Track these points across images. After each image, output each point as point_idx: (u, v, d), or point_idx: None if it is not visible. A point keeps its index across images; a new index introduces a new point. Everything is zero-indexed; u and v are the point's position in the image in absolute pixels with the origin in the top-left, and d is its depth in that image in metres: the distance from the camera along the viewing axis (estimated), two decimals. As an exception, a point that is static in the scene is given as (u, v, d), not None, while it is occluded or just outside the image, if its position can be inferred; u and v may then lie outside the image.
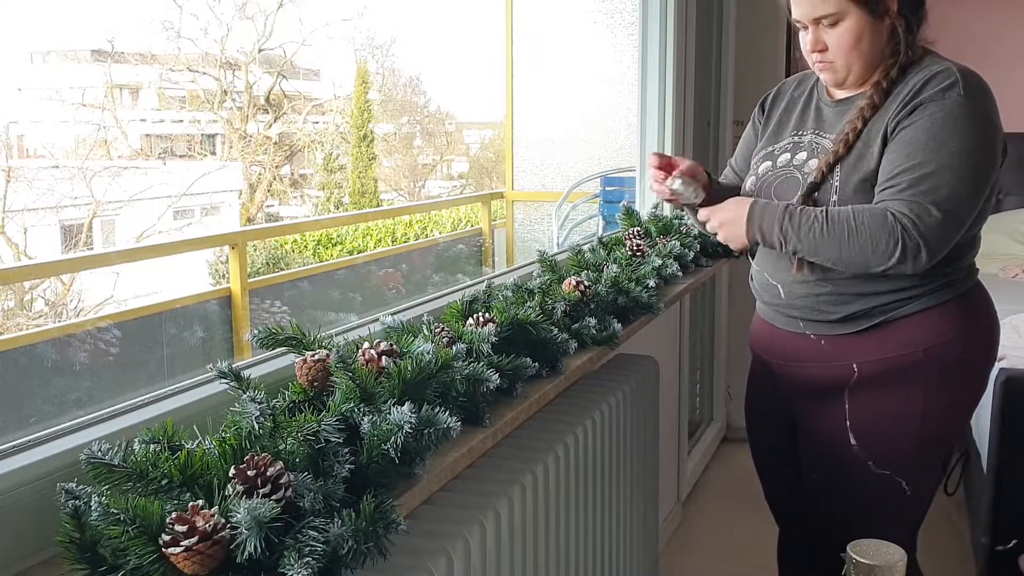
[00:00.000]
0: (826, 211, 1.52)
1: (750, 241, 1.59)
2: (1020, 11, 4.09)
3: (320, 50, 18.15)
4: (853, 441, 1.65)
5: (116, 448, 0.87)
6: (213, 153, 16.49)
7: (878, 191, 1.52)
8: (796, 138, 1.69)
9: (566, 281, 1.67)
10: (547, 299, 1.55)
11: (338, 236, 10.83)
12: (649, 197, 2.91)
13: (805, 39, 1.59)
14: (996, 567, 2.41)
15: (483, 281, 1.85)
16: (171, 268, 10.88)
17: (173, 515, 0.80)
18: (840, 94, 1.66)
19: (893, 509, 1.66)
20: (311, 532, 0.82)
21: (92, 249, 12.59)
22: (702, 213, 1.67)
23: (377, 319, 1.45)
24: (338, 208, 16.09)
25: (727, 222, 1.62)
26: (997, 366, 2.37)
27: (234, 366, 1.05)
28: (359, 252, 9.90)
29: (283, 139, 16.39)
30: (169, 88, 16.26)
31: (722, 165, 3.67)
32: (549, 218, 5.16)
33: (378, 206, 16.08)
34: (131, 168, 14.25)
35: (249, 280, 4.79)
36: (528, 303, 1.50)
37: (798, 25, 1.59)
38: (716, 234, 1.67)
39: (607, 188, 5.04)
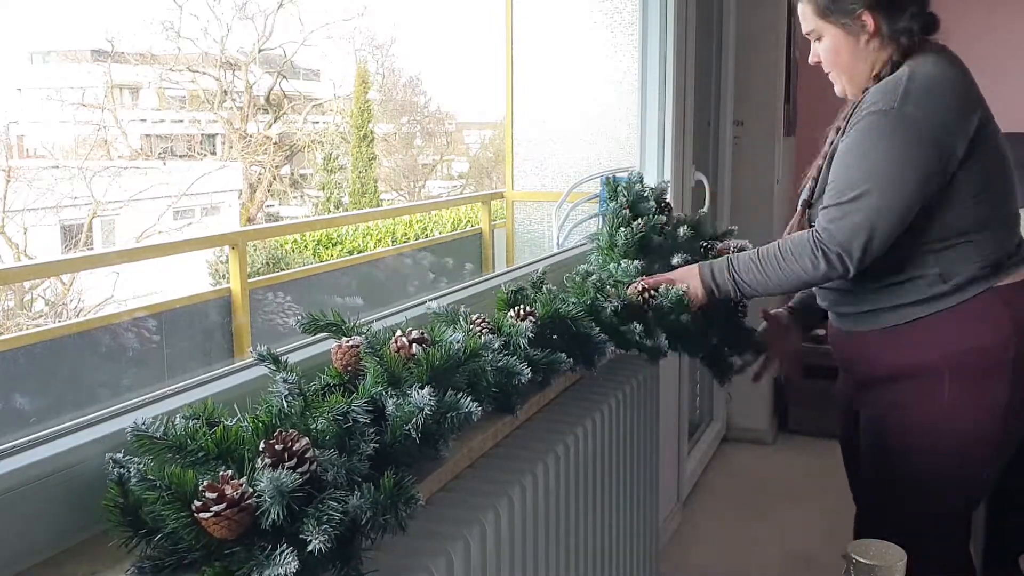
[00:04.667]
0: (757, 251, 1.65)
1: (706, 292, 1.68)
2: (1016, 9, 4.10)
3: (320, 50, 18.16)
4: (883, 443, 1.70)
5: (159, 422, 0.94)
6: (213, 153, 16.50)
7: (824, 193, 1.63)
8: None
9: (632, 285, 1.67)
10: (600, 296, 1.55)
11: (338, 236, 10.83)
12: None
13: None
14: (996, 567, 2.41)
15: (483, 281, 1.85)
16: (171, 268, 10.89)
17: (205, 483, 0.87)
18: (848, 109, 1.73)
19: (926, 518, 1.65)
20: (331, 503, 0.89)
21: (92, 249, 12.59)
22: (661, 278, 1.72)
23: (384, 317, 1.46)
24: (338, 208, 16.09)
25: (687, 283, 1.69)
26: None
27: (273, 350, 1.10)
28: (359, 252, 9.91)
29: (283, 139, 16.40)
30: (169, 88, 16.26)
31: (722, 165, 3.69)
32: (549, 218, 5.16)
33: (378, 206, 16.08)
34: (131, 168, 14.25)
35: (249, 280, 4.79)
36: (576, 298, 1.51)
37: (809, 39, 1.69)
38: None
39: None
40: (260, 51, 15.81)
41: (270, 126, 16.01)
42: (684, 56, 2.88)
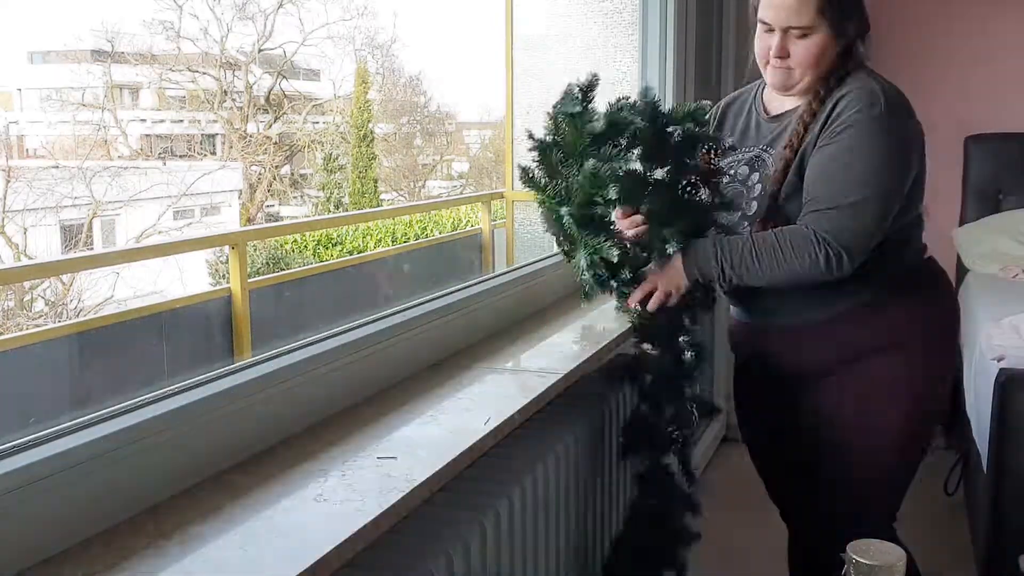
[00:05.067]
0: (751, 237, 1.63)
1: (690, 281, 1.64)
2: (1018, 10, 4.09)
3: (320, 50, 18.14)
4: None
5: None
6: (213, 153, 16.49)
7: (803, 209, 1.62)
8: (740, 154, 1.77)
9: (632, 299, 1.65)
10: None
11: (338, 236, 10.83)
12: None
13: (767, 41, 1.66)
14: (996, 567, 2.41)
15: (483, 280, 1.85)
16: (171, 268, 10.89)
17: None
18: (775, 109, 1.75)
19: (870, 491, 1.74)
20: None
21: (92, 249, 12.58)
22: (645, 287, 1.65)
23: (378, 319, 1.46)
24: (338, 208, 16.08)
25: (665, 275, 1.64)
26: (997, 366, 2.37)
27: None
28: (359, 252, 9.90)
29: (283, 139, 16.39)
30: (169, 88, 16.26)
31: (722, 165, 3.67)
32: (549, 218, 5.16)
33: (378, 206, 16.07)
34: (131, 168, 14.24)
35: (249, 280, 4.79)
36: None
37: (762, 26, 1.66)
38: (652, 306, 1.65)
39: (607, 188, 5.03)
40: (260, 51, 15.80)
41: (270, 126, 16.00)
42: (684, 56, 2.88)
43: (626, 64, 3.10)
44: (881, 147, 1.59)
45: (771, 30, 1.65)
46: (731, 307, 1.87)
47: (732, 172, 1.75)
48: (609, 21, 3.40)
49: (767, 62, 1.68)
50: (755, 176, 1.72)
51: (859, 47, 1.67)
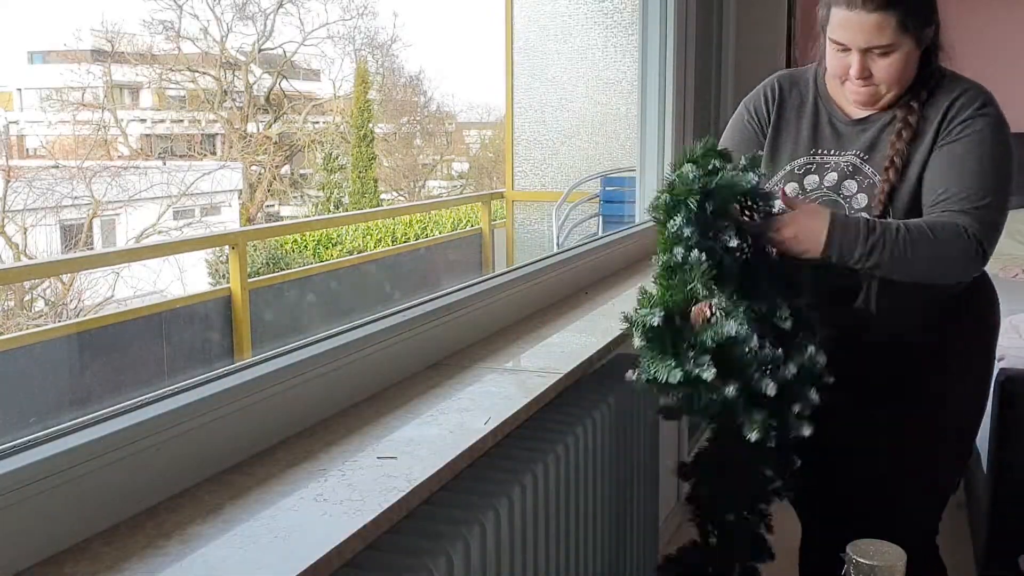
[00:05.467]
0: (905, 225, 1.51)
1: (824, 253, 1.49)
2: (1019, 10, 4.09)
3: (320, 50, 18.14)
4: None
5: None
6: (213, 153, 16.48)
7: (930, 205, 1.55)
8: (819, 158, 1.67)
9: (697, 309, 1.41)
10: None
11: (338, 236, 10.83)
12: (648, 197, 2.90)
13: (843, 61, 1.57)
14: (996, 567, 2.41)
15: (483, 280, 1.85)
16: (171, 268, 10.89)
17: None
18: (858, 113, 1.66)
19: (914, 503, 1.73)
20: None
21: (92, 249, 12.58)
22: (783, 221, 1.48)
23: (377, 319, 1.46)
24: (338, 208, 16.08)
25: (805, 228, 1.49)
26: (997, 366, 2.37)
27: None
28: (359, 252, 9.90)
29: (283, 139, 16.38)
30: (169, 88, 16.25)
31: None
32: (549, 218, 5.16)
33: (378, 206, 16.07)
34: (131, 168, 14.24)
35: (249, 280, 4.79)
36: None
37: (837, 47, 1.56)
38: (772, 246, 1.49)
39: (607, 188, 5.05)
40: (260, 51, 15.80)
41: (270, 126, 16.00)
42: (684, 56, 2.87)
43: (626, 64, 3.10)
44: (1004, 147, 1.57)
45: (845, 50, 1.56)
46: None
47: (816, 180, 1.65)
48: (609, 21, 3.40)
49: (850, 85, 1.59)
50: (851, 184, 1.62)
51: (938, 45, 1.62)
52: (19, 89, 16.39)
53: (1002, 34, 4.09)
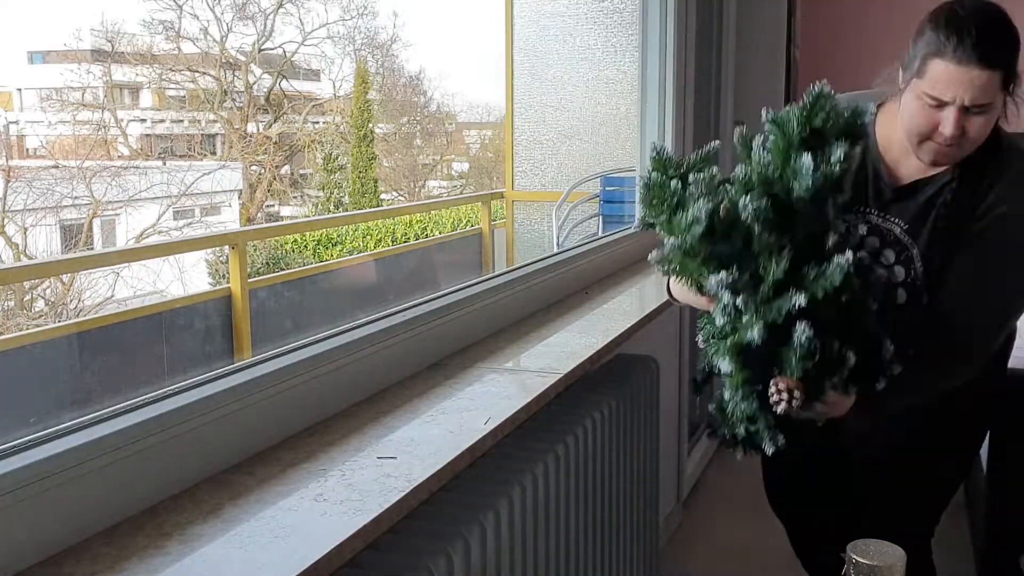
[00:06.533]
0: (910, 370, 1.45)
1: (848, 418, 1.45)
2: (1016, 9, 4.09)
3: (320, 50, 18.12)
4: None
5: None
6: (213, 153, 16.48)
7: (954, 295, 1.52)
8: (863, 215, 1.60)
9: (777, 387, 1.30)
10: None
11: (338, 236, 10.83)
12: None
13: (935, 117, 1.44)
14: (996, 567, 2.41)
15: (483, 280, 1.85)
16: (171, 268, 10.89)
17: None
18: (906, 178, 1.56)
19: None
20: None
21: (92, 249, 12.58)
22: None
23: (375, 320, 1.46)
24: (338, 208, 16.08)
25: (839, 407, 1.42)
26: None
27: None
28: (359, 252, 9.91)
29: (283, 139, 16.38)
30: (169, 88, 16.25)
31: (723, 164, 3.68)
32: (549, 218, 5.17)
33: (378, 206, 16.07)
34: (131, 168, 14.24)
35: (249, 280, 4.80)
36: None
37: (930, 102, 1.43)
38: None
39: (607, 188, 5.05)
40: (260, 51, 15.80)
41: (270, 126, 15.99)
42: (684, 56, 2.87)
43: (626, 64, 3.10)
44: None
45: (941, 105, 1.43)
46: None
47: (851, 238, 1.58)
48: (609, 21, 3.40)
49: (928, 139, 1.46)
50: (891, 254, 1.57)
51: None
52: (19, 89, 16.38)
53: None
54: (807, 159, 1.30)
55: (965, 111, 1.42)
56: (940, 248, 1.53)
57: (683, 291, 1.40)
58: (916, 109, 1.46)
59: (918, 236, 1.54)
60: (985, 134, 1.46)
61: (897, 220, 1.57)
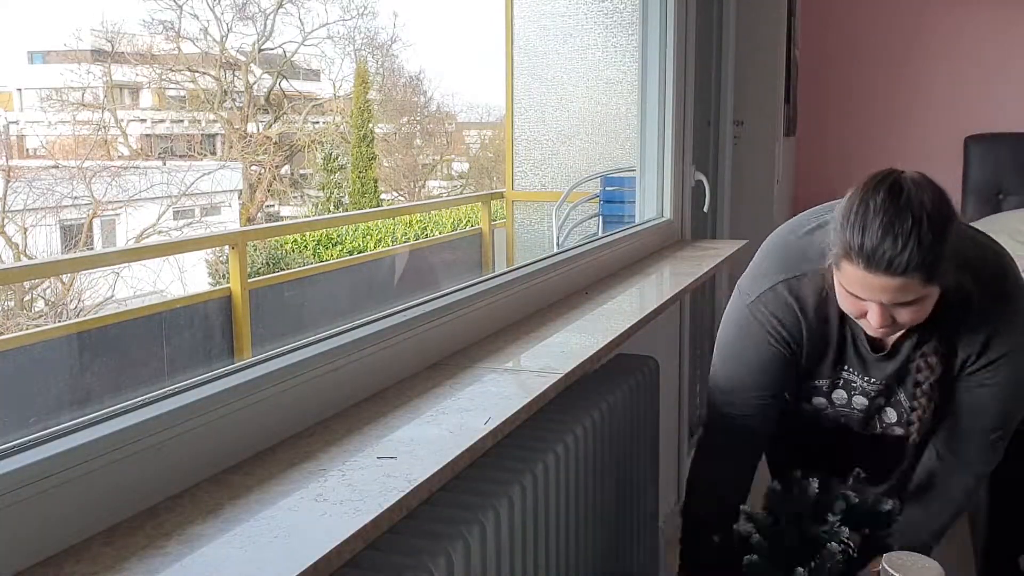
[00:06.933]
0: (937, 517, 1.57)
1: None
2: (1016, 9, 4.09)
3: (320, 50, 18.13)
4: None
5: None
6: (213, 153, 16.48)
7: (964, 434, 1.56)
8: (845, 374, 1.59)
9: None
10: None
11: (338, 236, 10.83)
12: (649, 197, 2.91)
13: (860, 305, 1.38)
14: (996, 567, 2.41)
15: (483, 280, 1.85)
16: (171, 268, 10.89)
17: None
18: (882, 343, 1.54)
19: None
20: None
21: (92, 249, 12.58)
22: None
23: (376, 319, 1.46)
24: (338, 208, 16.08)
25: None
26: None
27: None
28: (359, 252, 9.91)
29: (283, 139, 16.38)
30: (169, 88, 16.25)
31: (722, 165, 3.70)
32: (549, 218, 5.16)
33: (378, 206, 16.07)
34: (131, 168, 14.24)
35: (249, 280, 4.80)
36: None
37: (851, 296, 1.39)
38: None
39: (607, 188, 5.04)
40: (260, 51, 15.80)
41: (270, 126, 15.99)
42: (684, 56, 2.87)
43: (626, 64, 3.10)
44: None
45: (859, 298, 1.37)
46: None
47: (844, 396, 1.60)
48: (609, 21, 3.39)
49: (868, 327, 1.42)
50: (880, 400, 1.60)
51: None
52: (19, 89, 16.37)
53: (1002, 34, 4.10)
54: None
55: (889, 306, 1.35)
56: (932, 393, 1.52)
57: None
58: (842, 295, 1.41)
59: (906, 387, 1.55)
60: (923, 317, 1.38)
61: (882, 380, 1.56)
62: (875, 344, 1.54)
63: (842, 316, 1.52)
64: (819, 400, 1.65)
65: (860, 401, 1.61)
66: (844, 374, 1.60)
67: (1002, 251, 1.52)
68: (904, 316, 1.36)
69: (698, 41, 3.03)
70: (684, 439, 3.20)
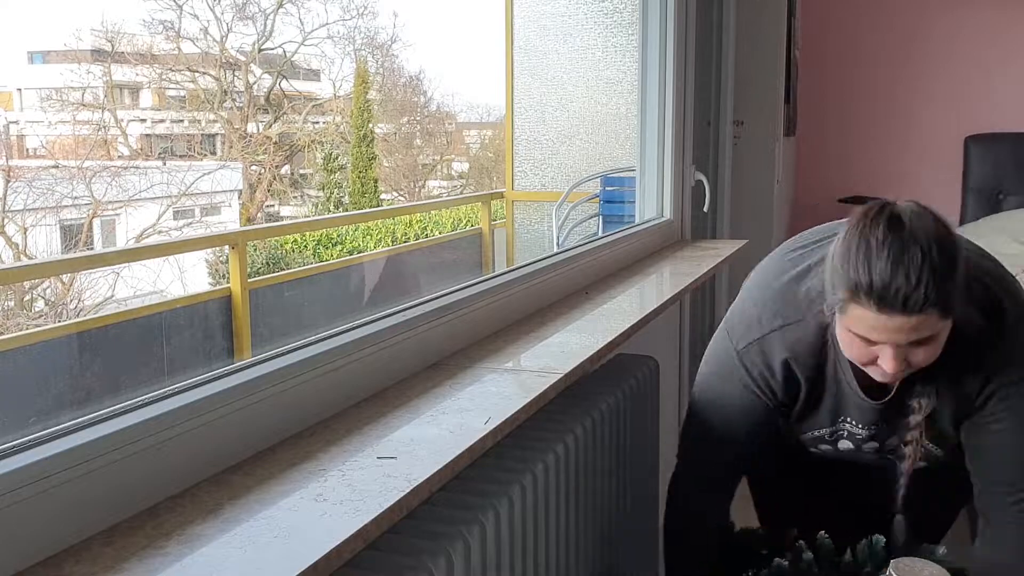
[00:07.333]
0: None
1: None
2: (1016, 9, 4.09)
3: (320, 50, 18.14)
4: None
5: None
6: (213, 153, 16.48)
7: (988, 486, 1.48)
8: (846, 425, 1.55)
9: None
10: None
11: (338, 236, 10.83)
12: (649, 197, 2.91)
13: (870, 351, 1.30)
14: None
15: (483, 280, 1.85)
16: (171, 268, 10.89)
17: None
18: (877, 390, 1.47)
19: None
20: None
21: (92, 249, 12.58)
22: None
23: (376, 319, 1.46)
24: (338, 208, 16.09)
25: None
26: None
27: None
28: (359, 252, 9.91)
29: (283, 139, 16.39)
30: (169, 88, 16.26)
31: (722, 165, 3.70)
32: (549, 218, 5.16)
33: (378, 206, 16.08)
34: (131, 168, 14.24)
35: (249, 280, 4.80)
36: None
37: (861, 341, 1.30)
38: None
39: (607, 188, 5.05)
40: (260, 51, 15.81)
41: (270, 126, 16.00)
42: (684, 56, 2.87)
43: (626, 64, 3.10)
44: None
45: (871, 343, 1.29)
46: None
47: (849, 445, 1.57)
48: (609, 21, 3.39)
49: (872, 364, 1.33)
50: (884, 440, 1.56)
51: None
52: (19, 89, 16.38)
53: (1002, 34, 4.10)
54: None
55: (901, 347, 1.27)
56: (935, 442, 1.50)
57: None
58: (848, 341, 1.33)
59: (902, 435, 1.51)
60: (937, 354, 1.30)
61: (890, 428, 1.51)
62: (871, 391, 1.46)
63: (838, 367, 1.46)
64: (825, 447, 1.62)
65: (871, 445, 1.57)
66: (844, 425, 1.55)
67: (1004, 273, 1.42)
68: (919, 356, 1.28)
69: (698, 41, 3.03)
70: (684, 439, 3.19)
